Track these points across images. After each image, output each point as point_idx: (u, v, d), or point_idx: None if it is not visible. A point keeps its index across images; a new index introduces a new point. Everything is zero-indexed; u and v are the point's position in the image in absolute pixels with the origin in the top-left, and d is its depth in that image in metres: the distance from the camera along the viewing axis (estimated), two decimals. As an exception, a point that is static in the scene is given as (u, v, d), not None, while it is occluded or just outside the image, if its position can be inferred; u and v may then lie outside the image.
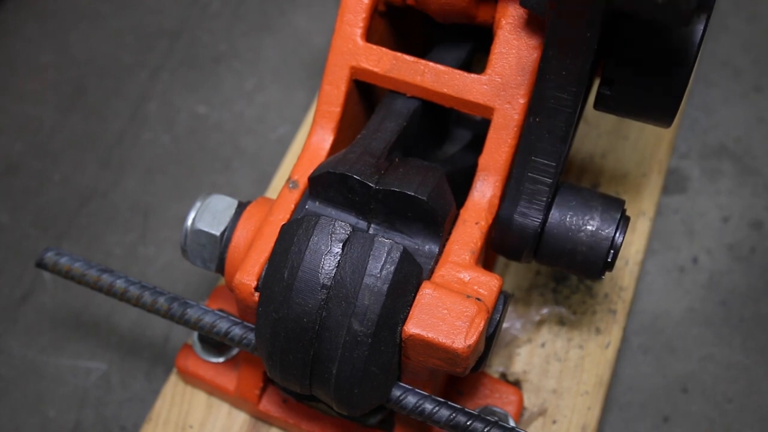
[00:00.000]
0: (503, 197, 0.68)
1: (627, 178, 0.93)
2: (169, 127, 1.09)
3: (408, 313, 0.60)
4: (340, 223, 0.61)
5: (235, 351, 0.79)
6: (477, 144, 0.73)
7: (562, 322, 0.84)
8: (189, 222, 0.71)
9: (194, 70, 1.15)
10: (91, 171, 1.05)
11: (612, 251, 0.68)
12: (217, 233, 0.70)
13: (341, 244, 0.60)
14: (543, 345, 0.82)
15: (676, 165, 1.04)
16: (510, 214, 0.67)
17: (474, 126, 0.84)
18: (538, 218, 0.67)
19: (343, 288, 0.58)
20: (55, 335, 0.92)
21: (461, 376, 0.63)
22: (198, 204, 0.71)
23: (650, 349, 0.91)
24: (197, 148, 1.08)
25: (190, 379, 0.80)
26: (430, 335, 0.59)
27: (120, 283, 0.70)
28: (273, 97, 1.12)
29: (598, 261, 0.68)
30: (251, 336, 0.65)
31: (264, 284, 0.62)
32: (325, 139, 0.72)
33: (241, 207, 0.71)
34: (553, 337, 0.83)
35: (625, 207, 0.70)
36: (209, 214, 0.71)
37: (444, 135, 0.83)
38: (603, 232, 0.68)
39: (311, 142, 0.72)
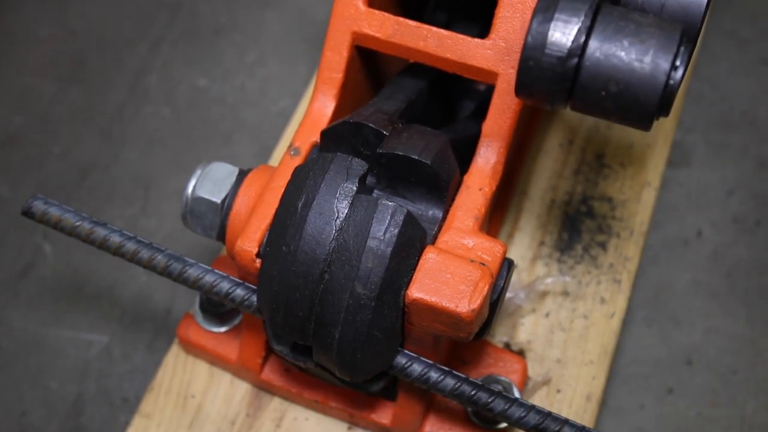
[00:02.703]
0: (533, 17, 0.56)
1: (632, 148, 0.92)
2: (169, 100, 1.09)
3: (411, 277, 0.60)
4: (356, 159, 0.60)
5: (237, 320, 0.79)
6: (480, 113, 0.72)
7: (566, 292, 0.83)
8: (189, 189, 0.70)
9: (195, 43, 1.13)
10: (92, 144, 1.05)
11: (670, 83, 0.55)
12: (218, 200, 0.69)
13: (357, 180, 0.59)
14: (547, 315, 0.82)
15: (681, 138, 1.03)
16: (541, 38, 0.55)
17: (478, 96, 0.84)
18: (577, 39, 0.54)
19: (346, 251, 0.58)
20: (56, 308, 0.92)
21: (464, 342, 0.62)
22: (198, 171, 0.71)
23: (654, 321, 0.91)
24: (198, 121, 1.07)
25: (192, 348, 0.80)
26: (433, 299, 0.59)
27: (115, 237, 0.65)
28: (274, 70, 1.11)
29: (650, 97, 0.54)
30: (254, 298, 0.64)
31: (274, 223, 0.62)
32: (327, 106, 0.71)
33: (242, 174, 0.70)
34: (557, 307, 0.82)
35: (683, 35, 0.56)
36: (210, 182, 0.70)
37: (450, 113, 0.83)
38: (659, 60, 0.54)
39: (313, 109, 0.71)
